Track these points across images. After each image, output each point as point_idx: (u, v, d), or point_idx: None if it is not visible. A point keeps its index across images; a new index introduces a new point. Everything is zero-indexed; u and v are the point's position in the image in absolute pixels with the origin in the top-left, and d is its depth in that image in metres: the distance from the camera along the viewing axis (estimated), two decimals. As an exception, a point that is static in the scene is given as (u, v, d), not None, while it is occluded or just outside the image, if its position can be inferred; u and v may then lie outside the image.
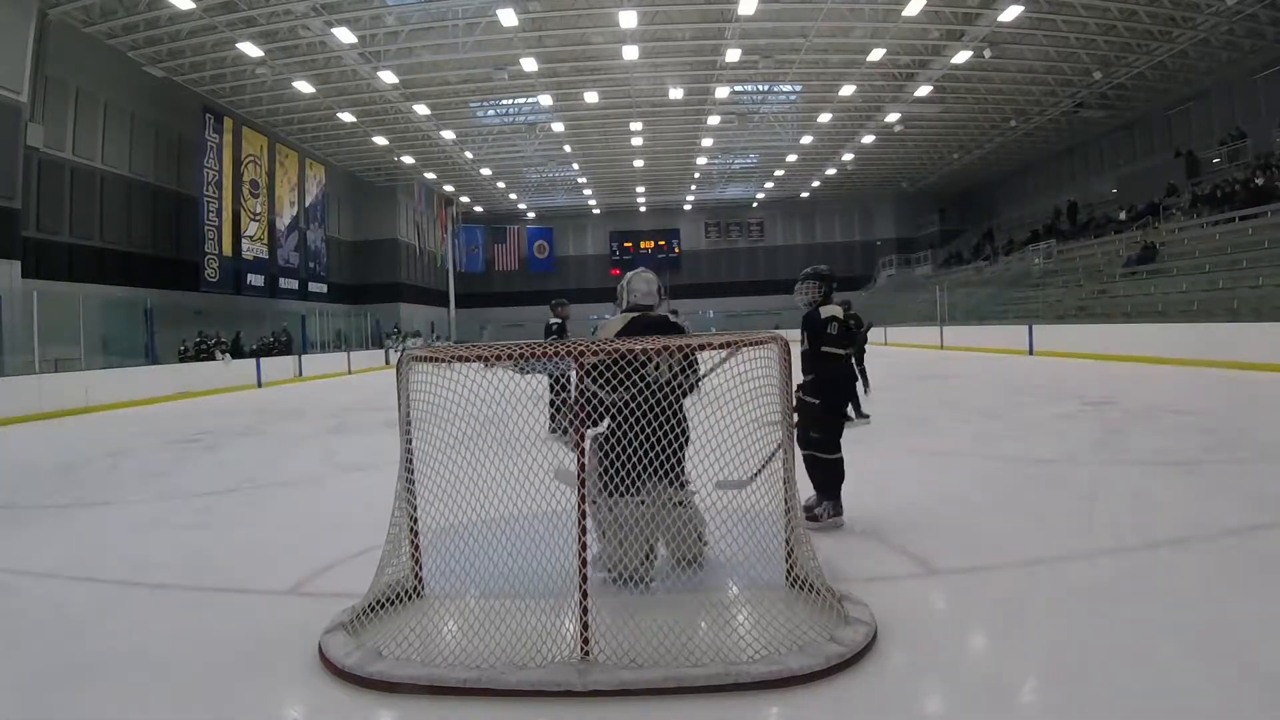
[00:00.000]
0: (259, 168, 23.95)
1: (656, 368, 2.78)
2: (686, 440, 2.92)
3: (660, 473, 2.74)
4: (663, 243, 42.98)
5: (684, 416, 2.97)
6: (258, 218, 24.04)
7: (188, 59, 19.22)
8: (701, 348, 2.79)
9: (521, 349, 2.60)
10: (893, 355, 21.42)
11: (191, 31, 17.78)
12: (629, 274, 3.56)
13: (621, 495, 2.80)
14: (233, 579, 3.47)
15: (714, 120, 26.18)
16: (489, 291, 41.55)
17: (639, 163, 32.08)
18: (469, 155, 29.23)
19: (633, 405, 2.64)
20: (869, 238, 41.83)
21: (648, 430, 2.62)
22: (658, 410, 2.64)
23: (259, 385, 18.02)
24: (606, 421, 2.87)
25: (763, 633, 2.45)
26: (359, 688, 2.31)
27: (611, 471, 2.76)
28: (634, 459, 2.65)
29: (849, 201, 40.71)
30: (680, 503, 2.96)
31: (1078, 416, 7.73)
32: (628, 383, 2.58)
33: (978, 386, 11.76)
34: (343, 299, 30.50)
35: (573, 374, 2.61)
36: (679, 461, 2.84)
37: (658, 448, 2.64)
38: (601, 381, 2.61)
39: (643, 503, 2.86)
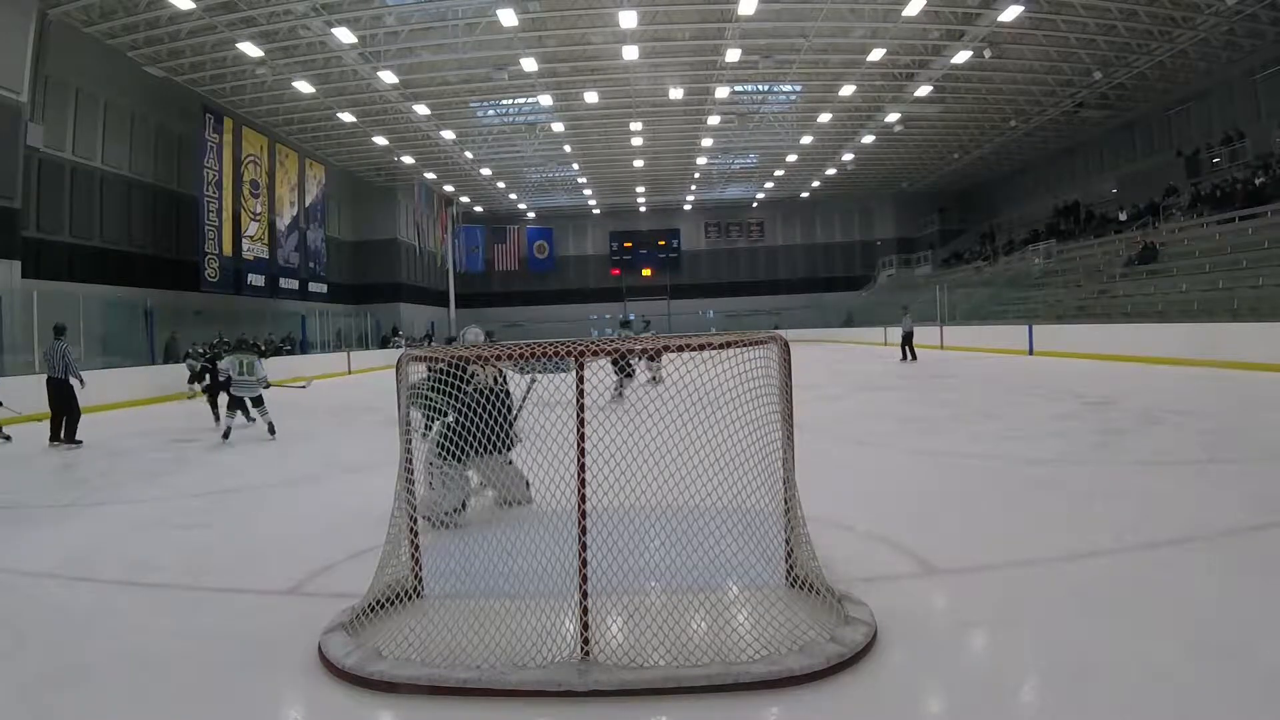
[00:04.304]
0: (259, 168, 23.92)
1: (477, 376, 3.76)
2: (513, 420, 3.88)
3: (493, 445, 3.57)
4: (662, 242, 42.91)
5: (509, 406, 3.96)
6: (258, 218, 24.00)
7: (187, 59, 19.20)
8: (701, 348, 2.80)
9: (522, 349, 2.68)
10: (893, 355, 21.39)
11: (191, 31, 17.76)
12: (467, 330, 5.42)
13: (458, 462, 3.68)
14: (233, 579, 3.48)
15: (714, 120, 26.15)
16: (489, 291, 41.53)
17: (639, 163, 32.04)
18: (469, 155, 29.20)
19: (468, 402, 3.40)
20: (869, 238, 41.81)
21: (481, 417, 3.34)
22: (486, 404, 3.40)
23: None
24: (451, 414, 3.64)
25: (763, 633, 2.45)
26: (359, 688, 2.31)
27: (452, 446, 3.45)
28: (469, 438, 3.34)
29: (849, 201, 40.66)
30: (509, 462, 4.03)
31: (1078, 416, 7.72)
32: (466, 387, 3.42)
33: (978, 386, 11.75)
34: (343, 299, 30.47)
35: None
36: (505, 436, 3.63)
37: (490, 429, 3.36)
38: (440, 389, 3.58)
39: (482, 465, 4.05)
